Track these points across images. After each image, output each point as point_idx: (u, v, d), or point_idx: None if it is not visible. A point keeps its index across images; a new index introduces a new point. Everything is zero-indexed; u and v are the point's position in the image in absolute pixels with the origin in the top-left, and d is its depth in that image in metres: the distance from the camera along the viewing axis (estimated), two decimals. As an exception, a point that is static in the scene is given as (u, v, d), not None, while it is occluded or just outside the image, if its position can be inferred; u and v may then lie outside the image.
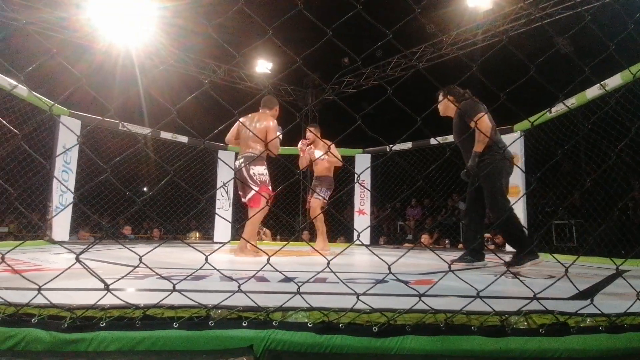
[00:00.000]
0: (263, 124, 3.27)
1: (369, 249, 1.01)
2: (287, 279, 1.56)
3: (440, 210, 8.39)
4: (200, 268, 0.88)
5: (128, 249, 0.92)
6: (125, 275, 0.92)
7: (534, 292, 0.96)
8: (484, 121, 2.58)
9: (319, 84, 11.11)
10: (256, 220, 3.28)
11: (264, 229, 7.74)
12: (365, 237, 6.94)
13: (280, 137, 3.36)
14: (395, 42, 1.03)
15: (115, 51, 7.82)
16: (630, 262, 3.04)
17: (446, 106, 2.91)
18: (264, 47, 9.23)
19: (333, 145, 4.29)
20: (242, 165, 3.30)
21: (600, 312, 0.93)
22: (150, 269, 0.90)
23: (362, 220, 6.80)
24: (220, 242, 6.16)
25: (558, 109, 3.78)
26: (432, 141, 6.13)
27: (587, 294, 1.15)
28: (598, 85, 3.51)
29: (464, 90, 2.86)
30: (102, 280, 0.85)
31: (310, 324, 0.87)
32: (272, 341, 0.83)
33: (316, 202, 4.30)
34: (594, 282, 1.60)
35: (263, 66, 9.86)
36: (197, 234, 7.79)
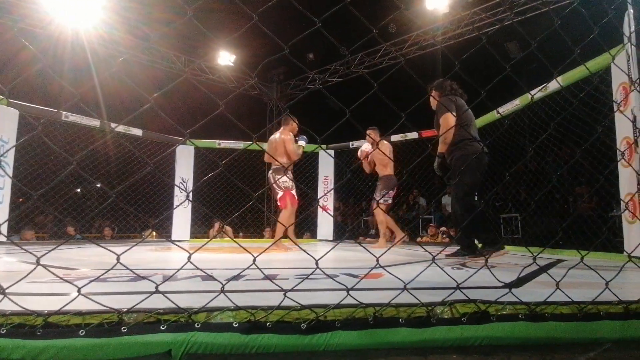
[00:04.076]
0: (281, 137, 3.95)
1: (296, 244, 0.99)
2: (234, 277, 1.51)
3: (402, 205, 8.63)
4: (112, 268, 0.82)
5: (28, 251, 0.84)
6: (23, 278, 0.84)
7: (457, 282, 0.99)
8: (446, 121, 2.64)
9: (283, 79, 10.99)
10: (285, 220, 3.87)
11: (226, 226, 7.56)
12: (328, 233, 6.97)
13: (304, 144, 4.09)
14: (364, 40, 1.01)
15: (65, 37, 7.27)
16: (568, 252, 3.28)
17: (433, 100, 2.91)
18: (225, 39, 8.97)
19: (385, 142, 4.38)
20: (270, 175, 4.10)
21: (519, 301, 0.98)
22: (50, 271, 0.82)
23: (325, 216, 6.84)
24: (179, 240, 5.94)
25: (504, 109, 3.99)
26: (393, 138, 6.26)
27: (514, 284, 1.20)
28: (541, 86, 3.73)
29: (450, 84, 2.87)
30: (-4, 285, 0.77)
31: (235, 324, 0.83)
32: (192, 344, 0.79)
33: (377, 208, 4.36)
34: (528, 272, 1.69)
35: (226, 58, 9.58)
36: (154, 233, 7.46)
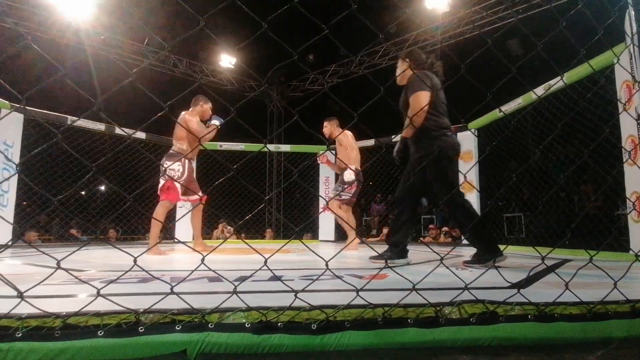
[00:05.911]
0: (184, 117, 3.36)
1: (305, 244, 1.01)
2: (245, 279, 1.53)
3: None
4: (130, 270, 0.84)
5: (45, 253, 0.86)
6: (43, 281, 0.86)
7: (464, 282, 1.00)
8: (418, 101, 2.15)
9: (283, 81, 11.03)
10: (157, 215, 3.30)
11: (228, 227, 7.60)
12: (330, 234, 6.98)
13: (217, 123, 3.42)
14: (361, 40, 1.04)
15: (66, 41, 7.34)
16: (574, 251, 3.27)
17: (403, 73, 2.40)
18: (227, 42, 9.01)
19: (345, 133, 3.93)
20: (163, 160, 3.48)
21: (528, 301, 0.98)
22: (70, 274, 0.84)
23: (326, 217, 6.84)
24: (184, 241, 5.93)
25: (507, 108, 3.99)
26: (394, 138, 6.28)
27: (522, 284, 1.21)
28: (546, 84, 3.73)
29: (427, 55, 2.45)
30: (15, 288, 0.79)
31: (248, 325, 0.85)
32: (206, 344, 0.81)
33: (332, 204, 3.91)
34: (535, 272, 1.69)
35: (227, 61, 9.63)
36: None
